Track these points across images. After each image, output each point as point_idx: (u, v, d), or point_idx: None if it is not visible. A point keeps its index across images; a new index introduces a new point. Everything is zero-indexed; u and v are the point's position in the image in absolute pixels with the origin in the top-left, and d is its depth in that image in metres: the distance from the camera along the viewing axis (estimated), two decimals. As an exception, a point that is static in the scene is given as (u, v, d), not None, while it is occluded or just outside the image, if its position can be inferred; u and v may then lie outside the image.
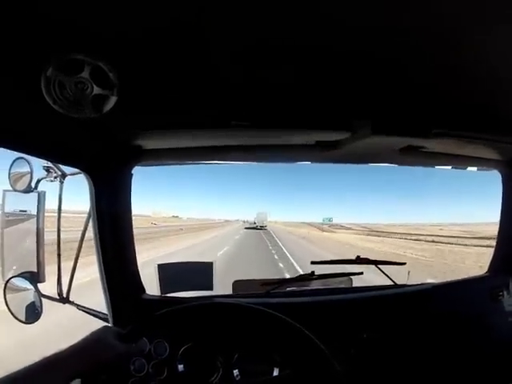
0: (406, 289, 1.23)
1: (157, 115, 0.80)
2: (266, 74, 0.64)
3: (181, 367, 0.83)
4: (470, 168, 1.26)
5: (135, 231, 1.03)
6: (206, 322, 0.86)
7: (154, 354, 0.83)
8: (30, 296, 0.99)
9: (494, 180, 1.28)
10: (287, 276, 5.22)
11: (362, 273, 1.26)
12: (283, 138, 0.95)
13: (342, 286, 1.38)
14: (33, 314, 1.01)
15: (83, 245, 1.08)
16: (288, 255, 13.15)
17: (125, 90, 0.58)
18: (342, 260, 1.24)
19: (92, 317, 1.07)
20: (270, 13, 0.46)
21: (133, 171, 1.00)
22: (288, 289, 1.25)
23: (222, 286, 1.24)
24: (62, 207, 1.07)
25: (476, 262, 11.67)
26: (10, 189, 0.97)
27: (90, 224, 0.98)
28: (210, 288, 1.20)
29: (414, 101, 0.76)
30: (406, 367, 1.03)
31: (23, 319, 1.00)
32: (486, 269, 1.35)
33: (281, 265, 10.55)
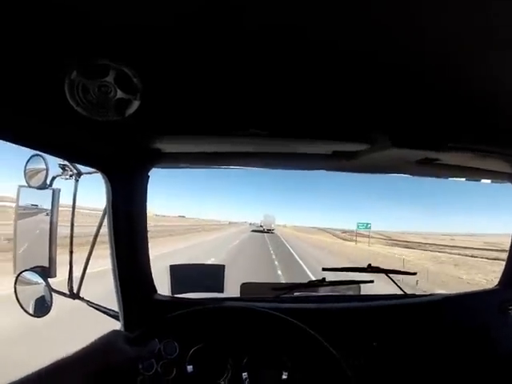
0: (415, 299, 1.23)
1: (177, 120, 0.81)
2: (287, 84, 0.64)
3: (190, 368, 0.83)
4: (483, 180, 1.26)
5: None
6: (217, 325, 0.86)
7: (164, 354, 0.83)
8: (40, 290, 1.00)
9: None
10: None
11: (372, 281, 1.26)
12: (301, 147, 0.95)
13: (351, 292, 1.38)
14: (42, 307, 1.02)
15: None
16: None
17: (147, 95, 0.58)
18: (353, 268, 1.24)
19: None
20: (296, 21, 0.45)
21: (149, 173, 1.00)
22: (295, 294, 1.25)
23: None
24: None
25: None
26: (25, 185, 0.98)
27: (105, 222, 0.98)
28: (221, 290, 1.20)
29: (432, 114, 0.76)
30: (415, 378, 1.03)
31: (32, 312, 1.02)
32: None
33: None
